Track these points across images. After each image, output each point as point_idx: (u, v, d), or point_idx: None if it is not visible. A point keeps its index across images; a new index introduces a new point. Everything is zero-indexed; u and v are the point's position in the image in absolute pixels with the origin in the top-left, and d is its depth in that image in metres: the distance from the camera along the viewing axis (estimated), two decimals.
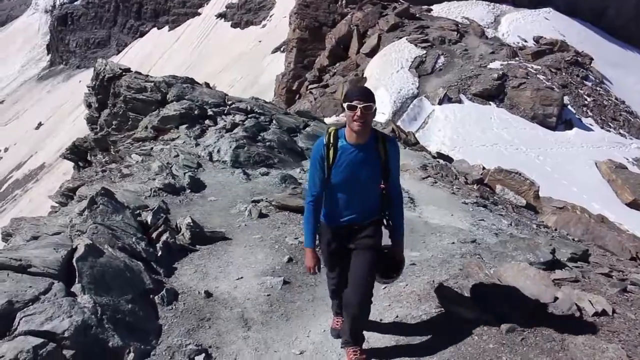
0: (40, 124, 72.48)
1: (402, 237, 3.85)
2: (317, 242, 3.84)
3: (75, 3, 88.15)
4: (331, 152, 3.48)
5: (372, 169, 3.53)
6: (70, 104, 70.68)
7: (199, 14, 76.38)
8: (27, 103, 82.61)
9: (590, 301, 4.45)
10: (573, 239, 9.23)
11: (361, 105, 3.26)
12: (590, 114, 26.06)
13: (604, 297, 4.59)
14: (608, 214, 14.21)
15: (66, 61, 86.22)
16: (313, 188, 3.67)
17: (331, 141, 3.48)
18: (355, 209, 3.67)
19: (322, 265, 3.93)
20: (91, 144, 15.11)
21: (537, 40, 31.89)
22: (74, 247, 4.71)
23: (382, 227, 3.76)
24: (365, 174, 3.53)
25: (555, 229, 10.07)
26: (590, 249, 7.46)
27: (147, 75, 14.55)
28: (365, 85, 25.44)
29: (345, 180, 3.56)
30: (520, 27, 33.28)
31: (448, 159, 15.26)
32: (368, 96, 3.35)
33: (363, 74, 26.81)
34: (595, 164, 21.45)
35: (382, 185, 3.57)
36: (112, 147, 13.31)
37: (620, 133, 25.47)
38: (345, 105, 3.36)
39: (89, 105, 16.62)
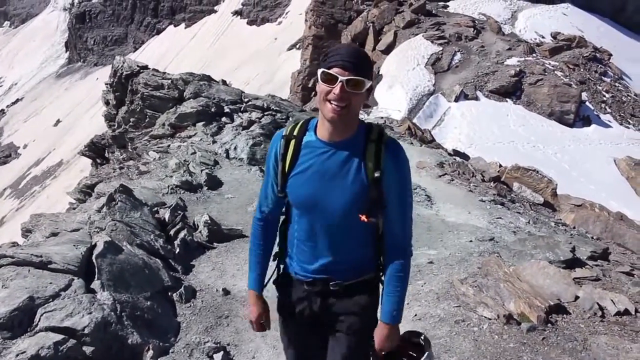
0: (58, 121, 73.25)
1: (396, 319, 2.29)
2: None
3: (94, 1, 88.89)
4: (291, 149, 2.25)
5: (347, 187, 2.16)
6: (88, 101, 71.36)
7: (215, 12, 76.68)
8: (45, 100, 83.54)
9: (612, 300, 4.39)
10: (592, 237, 9.13)
11: (345, 78, 2.02)
12: (608, 110, 25.72)
13: (626, 296, 4.53)
14: (627, 211, 13.99)
15: (84, 58, 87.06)
16: (263, 202, 2.45)
17: (294, 133, 2.27)
18: (328, 254, 2.29)
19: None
20: (109, 141, 15.27)
21: (554, 36, 31.50)
22: (93, 244, 4.76)
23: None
24: (336, 194, 2.18)
25: (574, 227, 9.96)
26: (610, 247, 7.38)
27: (164, 73, 14.64)
28: (382, 82, 25.35)
29: (307, 199, 2.23)
30: (538, 23, 32.88)
31: (464, 156, 15.17)
32: (358, 63, 2.07)
33: (379, 71, 26.71)
34: (614, 160, 21.17)
35: (364, 218, 2.18)
36: (129, 144, 13.42)
37: (639, 130, 25.11)
38: (319, 73, 2.11)
39: (106, 103, 16.78)
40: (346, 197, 2.16)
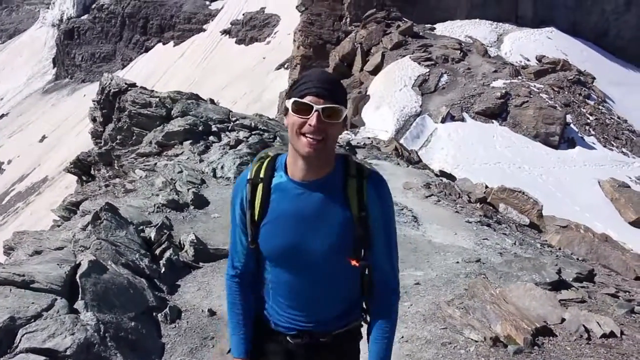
0: (44, 137, 72.69)
1: None
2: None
3: (82, 18, 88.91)
4: (259, 195, 1.99)
5: (331, 230, 1.95)
6: (74, 117, 70.96)
7: (204, 30, 76.95)
8: (31, 116, 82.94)
9: (598, 322, 4.41)
10: (577, 258, 9.18)
11: (321, 107, 1.81)
12: (592, 132, 26.08)
13: (611, 319, 4.56)
14: (611, 232, 14.15)
15: (71, 75, 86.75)
16: (235, 256, 2.17)
17: (261, 175, 2.01)
18: (313, 304, 2.08)
19: None
20: (95, 158, 15.16)
21: (539, 59, 32.02)
22: (77, 262, 4.69)
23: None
24: (319, 240, 1.96)
25: (559, 248, 10.02)
26: (595, 269, 7.42)
27: (152, 91, 14.65)
28: (369, 102, 25.51)
29: (284, 250, 1.99)
30: (523, 46, 33.44)
31: (451, 177, 15.26)
32: (333, 90, 1.87)
33: (366, 91, 26.91)
34: (598, 182, 21.42)
35: (354, 262, 1.98)
36: (116, 161, 13.34)
37: (622, 152, 25.46)
38: (289, 104, 1.89)
39: (93, 120, 16.72)
40: (331, 241, 1.95)
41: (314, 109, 1.81)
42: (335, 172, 1.98)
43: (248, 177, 2.03)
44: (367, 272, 2.06)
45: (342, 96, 1.91)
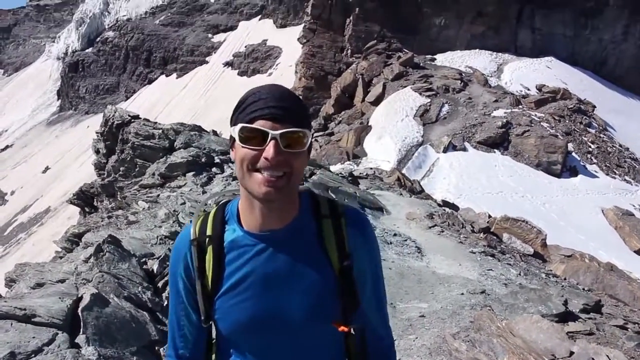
0: (47, 168, 73.02)
1: None
2: None
3: (87, 51, 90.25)
4: (210, 258, 1.58)
5: (309, 291, 1.56)
6: (77, 148, 71.41)
7: (207, 62, 77.88)
8: (35, 147, 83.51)
9: (607, 356, 4.33)
10: (583, 289, 9.10)
11: (278, 133, 1.43)
12: (594, 160, 26.10)
13: (621, 351, 4.48)
14: (616, 261, 14.02)
15: (75, 107, 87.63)
16: (178, 341, 1.71)
17: (208, 232, 1.60)
18: None
19: None
20: (98, 190, 15.19)
21: (539, 88, 32.26)
22: (79, 296, 4.66)
23: None
24: (294, 305, 1.56)
25: (565, 278, 9.94)
26: (602, 299, 7.35)
27: (155, 122, 14.74)
28: (371, 133, 25.59)
29: (252, 324, 1.56)
30: (523, 75, 33.73)
31: (454, 207, 15.22)
32: (292, 109, 1.48)
33: (368, 122, 27.07)
34: (602, 211, 21.32)
35: (343, 328, 1.58)
36: (118, 193, 13.36)
37: (625, 180, 25.43)
38: (235, 132, 1.48)
39: (97, 151, 16.80)
40: (310, 307, 1.53)
41: (270, 136, 1.40)
42: (303, 215, 1.57)
43: (192, 237, 1.57)
44: (354, 333, 1.61)
45: (303, 116, 1.48)
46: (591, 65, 38.00)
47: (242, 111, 1.48)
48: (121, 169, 14.30)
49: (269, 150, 1.40)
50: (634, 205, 22.51)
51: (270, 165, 1.41)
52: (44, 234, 49.98)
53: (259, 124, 1.42)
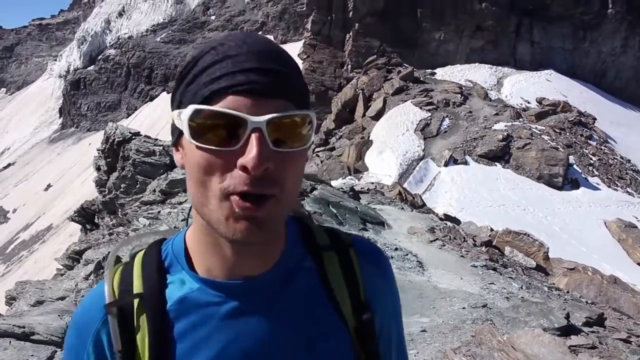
0: (49, 186, 73.22)
1: None
2: None
3: (89, 68, 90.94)
4: (142, 338, 0.90)
5: None
6: (79, 166, 71.62)
7: None
8: (37, 165, 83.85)
9: None
10: (586, 302, 9.05)
11: (264, 120, 0.79)
12: (596, 173, 26.07)
13: None
14: (620, 274, 13.95)
15: (77, 124, 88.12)
16: None
17: (136, 289, 0.93)
18: None
19: None
20: (99, 207, 15.21)
21: (539, 101, 32.33)
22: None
23: None
24: None
25: (567, 292, 9.88)
26: (605, 312, 7.30)
27: (155, 139, 14.80)
28: (372, 147, 25.54)
29: None
30: (523, 88, 33.83)
31: (455, 220, 15.20)
32: (285, 76, 0.84)
33: (369, 136, 27.12)
34: (605, 223, 21.26)
35: None
36: (119, 210, 13.38)
37: (627, 192, 25.38)
38: (184, 118, 0.82)
39: (98, 168, 16.84)
40: None
41: (250, 126, 0.80)
42: (293, 248, 1.00)
43: (107, 301, 0.93)
44: None
45: (301, 88, 0.90)
46: (591, 77, 38.17)
47: (194, 79, 0.86)
48: (122, 185, 14.33)
49: (250, 151, 0.79)
50: (636, 217, 22.44)
51: (251, 180, 0.81)
52: (46, 252, 49.97)
53: (227, 104, 0.81)
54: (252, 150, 0.78)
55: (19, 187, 79.12)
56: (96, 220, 15.32)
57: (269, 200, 0.82)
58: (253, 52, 0.84)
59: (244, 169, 0.80)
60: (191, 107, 0.81)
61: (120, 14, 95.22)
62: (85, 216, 15.93)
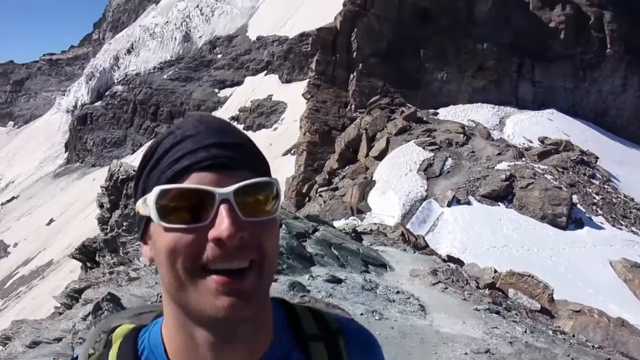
0: (51, 220, 73.22)
1: None
2: None
3: (96, 104, 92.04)
4: None
5: None
6: (82, 201, 71.70)
7: None
8: (41, 199, 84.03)
9: None
10: (593, 346, 8.90)
11: (231, 190, 0.82)
12: (600, 212, 25.94)
13: None
14: (627, 316, 13.74)
15: (82, 159, 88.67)
16: None
17: None
18: None
19: None
20: (100, 245, 15.17)
21: (542, 140, 32.44)
22: (74, 356, 4.57)
23: None
24: None
25: (573, 335, 9.73)
26: (612, 357, 7.16)
27: None
28: (375, 188, 25.46)
29: None
30: (525, 128, 33.97)
31: (459, 262, 15.09)
32: (245, 148, 0.89)
33: (372, 176, 27.13)
34: (610, 263, 21.06)
35: None
36: (121, 248, 13.34)
37: (632, 231, 25.19)
38: (150, 201, 0.83)
39: (100, 206, 16.85)
40: None
41: (217, 198, 0.81)
42: (280, 339, 0.96)
43: None
44: None
45: (261, 158, 0.92)
46: (592, 116, 38.41)
47: (157, 165, 0.86)
48: (124, 224, 14.32)
49: (222, 223, 0.79)
50: None
51: (228, 252, 0.79)
52: (45, 288, 49.64)
53: (192, 181, 0.82)
54: (223, 221, 0.79)
55: (21, 221, 79.13)
56: (97, 258, 15.25)
57: (251, 269, 0.82)
58: (211, 129, 0.86)
59: (217, 241, 0.79)
60: (157, 189, 0.82)
61: (129, 51, 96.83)
62: (87, 254, 15.87)
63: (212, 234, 0.79)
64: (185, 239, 0.81)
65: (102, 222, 16.15)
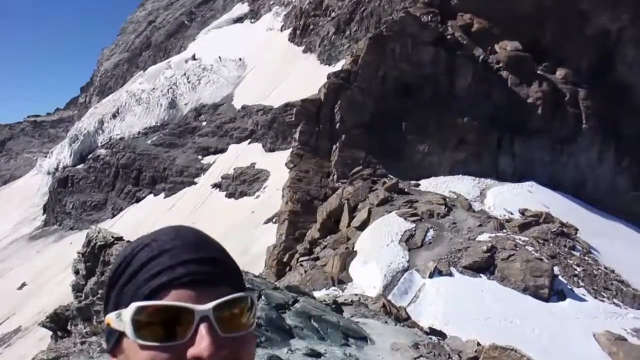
0: (23, 284, 71.05)
1: None
2: None
3: (78, 167, 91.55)
4: None
5: None
6: (58, 265, 69.94)
7: (195, 183, 78.69)
8: (14, 262, 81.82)
9: None
10: None
11: (209, 307, 0.83)
12: (581, 284, 25.95)
13: None
14: None
15: (60, 222, 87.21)
16: None
17: None
18: None
19: None
20: (73, 313, 14.68)
21: (522, 212, 32.78)
22: None
23: None
24: None
25: None
26: None
27: None
28: (356, 258, 25.38)
29: None
30: (506, 200, 34.39)
31: (441, 334, 14.86)
32: (222, 263, 0.92)
33: (354, 247, 27.03)
34: (594, 335, 20.90)
35: None
36: (95, 317, 12.91)
37: (614, 303, 25.14)
38: (126, 319, 0.85)
39: (76, 272, 16.42)
40: None
41: (197, 315, 0.80)
42: None
43: None
44: None
45: (238, 272, 0.92)
46: (571, 189, 39.16)
47: (132, 279, 0.85)
48: (99, 292, 13.91)
49: (202, 341, 0.77)
50: (625, 330, 22.10)
51: None
52: (10, 356, 47.55)
53: (170, 298, 0.81)
54: (203, 340, 0.78)
55: None
56: (69, 327, 14.71)
57: None
58: (188, 244, 0.87)
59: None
60: (134, 305, 0.81)
61: (114, 116, 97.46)
62: (58, 322, 15.32)
63: (192, 352, 0.79)
64: (162, 357, 0.79)
65: (77, 289, 15.70)
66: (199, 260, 0.85)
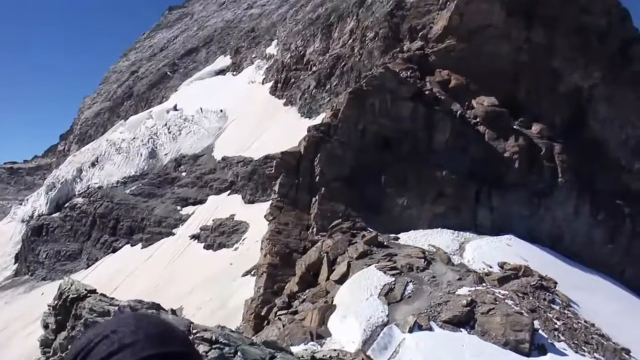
0: None
1: None
2: None
3: (53, 215, 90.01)
4: None
5: None
6: (27, 317, 67.68)
7: (174, 234, 77.79)
8: None
9: None
10: None
11: None
12: (562, 338, 25.76)
13: None
14: None
15: (32, 272, 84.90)
16: None
17: None
18: None
19: None
20: None
21: (501, 265, 32.81)
22: None
23: None
24: None
25: None
26: None
27: (112, 298, 14.25)
28: (335, 312, 25.03)
29: None
30: (485, 253, 34.43)
31: None
32: (187, 357, 0.90)
33: (333, 301, 26.65)
34: None
35: None
36: None
37: (595, 357, 24.92)
38: None
39: (45, 326, 15.89)
40: None
41: None
42: None
43: None
44: None
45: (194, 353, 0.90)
46: (549, 242, 39.48)
47: None
48: (69, 347, 13.43)
49: None
50: None
51: None
52: None
53: None
54: None
55: None
56: None
57: None
58: (150, 337, 0.81)
59: None
60: None
61: (93, 164, 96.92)
62: None
63: None
64: None
65: (45, 344, 15.17)
66: (162, 356, 0.80)
